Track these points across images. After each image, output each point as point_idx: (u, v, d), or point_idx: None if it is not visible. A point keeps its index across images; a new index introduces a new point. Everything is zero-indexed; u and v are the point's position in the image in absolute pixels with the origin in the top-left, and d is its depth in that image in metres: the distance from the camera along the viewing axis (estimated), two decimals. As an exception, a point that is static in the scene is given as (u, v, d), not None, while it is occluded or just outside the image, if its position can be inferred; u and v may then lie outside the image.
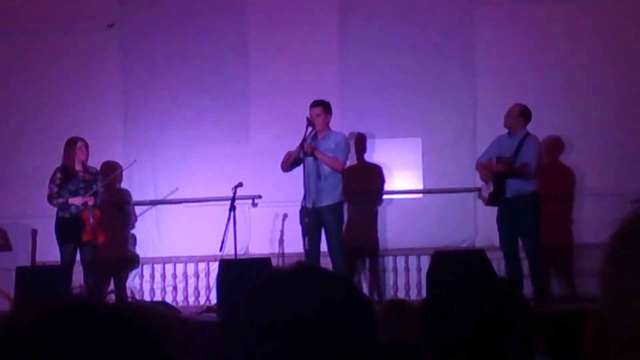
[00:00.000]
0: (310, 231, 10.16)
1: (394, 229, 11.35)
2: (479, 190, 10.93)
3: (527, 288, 9.85)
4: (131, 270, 11.90)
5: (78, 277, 10.63)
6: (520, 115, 10.21)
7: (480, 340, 2.32)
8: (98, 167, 11.18)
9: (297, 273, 1.79)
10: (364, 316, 1.75)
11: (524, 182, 10.02)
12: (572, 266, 10.90)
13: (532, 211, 10.03)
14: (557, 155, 11.10)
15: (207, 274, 11.54)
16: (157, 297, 11.63)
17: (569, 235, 11.03)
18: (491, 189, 10.15)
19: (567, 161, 11.11)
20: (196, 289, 11.67)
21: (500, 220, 10.22)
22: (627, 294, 1.24)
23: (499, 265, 10.35)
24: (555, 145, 11.06)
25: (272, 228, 11.44)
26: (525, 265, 10.18)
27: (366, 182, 11.46)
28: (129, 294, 11.81)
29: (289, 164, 10.32)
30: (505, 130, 10.32)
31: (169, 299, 11.56)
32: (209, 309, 10.41)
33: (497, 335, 2.34)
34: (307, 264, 1.83)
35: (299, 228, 10.35)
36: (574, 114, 11.00)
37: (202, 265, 11.64)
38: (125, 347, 1.17)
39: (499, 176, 10.09)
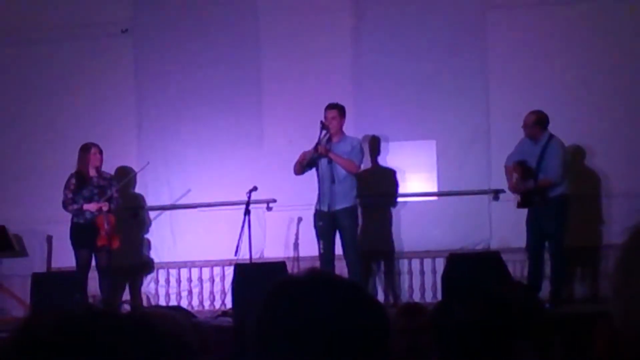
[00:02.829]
0: (324, 235, 10.16)
1: (409, 231, 11.33)
2: (494, 192, 10.94)
3: (546, 289, 9.85)
4: (146, 275, 11.92)
5: (93, 282, 10.67)
6: (536, 123, 10.14)
7: (488, 345, 2.32)
8: (112, 173, 11.22)
9: (310, 280, 1.79)
10: (377, 322, 1.75)
11: (554, 186, 9.99)
12: (598, 267, 10.83)
13: (560, 214, 9.98)
14: (582, 157, 11.04)
15: (223, 279, 11.55)
16: (173, 302, 11.66)
17: (597, 236, 10.95)
18: (519, 197, 10.13)
19: (591, 163, 11.05)
20: (211, 293, 11.69)
21: (529, 222, 10.18)
22: (637, 301, 1.24)
23: (514, 267, 10.35)
24: (577, 147, 10.99)
25: (286, 232, 11.44)
26: (548, 267, 10.15)
27: (381, 185, 11.45)
28: (144, 299, 11.83)
29: (303, 166, 10.30)
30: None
31: (184, 303, 11.57)
32: (224, 313, 10.41)
33: (505, 340, 2.34)
34: (320, 271, 1.84)
35: (314, 232, 10.35)
36: (587, 115, 10.96)
37: (217, 270, 11.65)
38: (139, 357, 1.18)
39: (525, 194, 10.06)
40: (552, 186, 9.98)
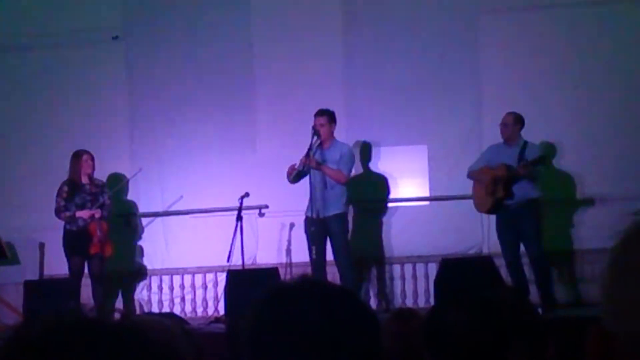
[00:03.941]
0: (315, 240, 10.16)
1: (401, 236, 11.33)
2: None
3: (533, 294, 9.84)
4: (139, 282, 11.90)
5: (86, 290, 10.66)
6: (517, 123, 10.18)
7: (481, 349, 2.33)
8: (105, 179, 11.21)
9: (302, 286, 1.79)
10: (368, 329, 1.75)
11: (530, 189, 9.98)
12: (574, 272, 10.87)
13: (535, 217, 10.00)
14: (560, 159, 11.08)
15: (215, 285, 11.54)
16: (166, 309, 11.64)
17: (571, 241, 10.99)
18: (500, 193, 10.06)
19: (569, 166, 11.09)
20: (204, 299, 11.67)
21: (502, 227, 10.16)
22: (629, 305, 1.24)
23: (507, 271, 10.34)
24: (553, 150, 11.03)
25: (279, 238, 11.44)
26: (528, 272, 10.15)
27: (372, 191, 11.45)
28: (137, 306, 11.82)
29: (293, 176, 10.31)
30: (498, 140, 10.32)
31: (177, 310, 11.56)
32: (217, 319, 10.41)
33: (498, 344, 2.34)
34: (312, 277, 1.84)
35: (305, 237, 10.35)
36: (578, 119, 10.99)
37: (210, 276, 11.63)
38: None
39: (509, 182, 10.01)
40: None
